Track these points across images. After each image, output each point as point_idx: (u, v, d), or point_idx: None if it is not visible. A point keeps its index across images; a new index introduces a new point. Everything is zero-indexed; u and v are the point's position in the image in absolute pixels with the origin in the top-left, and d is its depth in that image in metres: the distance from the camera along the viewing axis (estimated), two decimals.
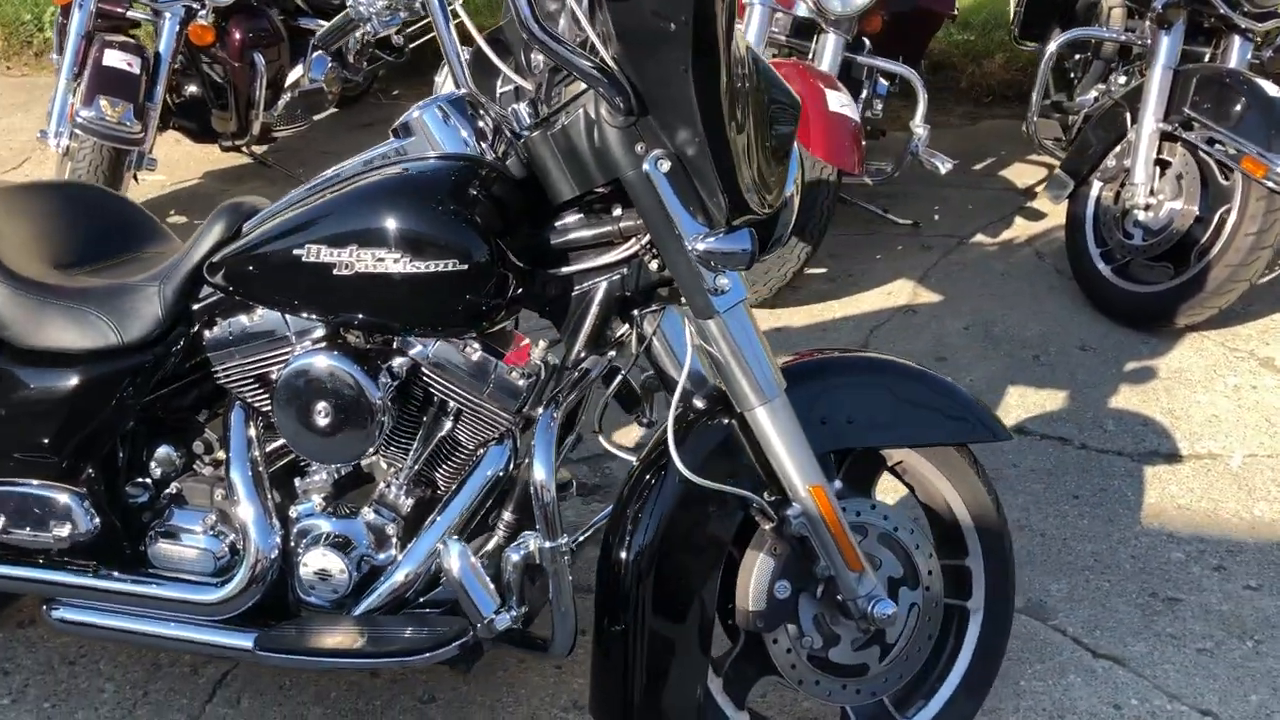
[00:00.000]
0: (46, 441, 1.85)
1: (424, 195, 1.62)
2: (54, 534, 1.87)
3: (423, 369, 1.74)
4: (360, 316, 1.67)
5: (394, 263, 1.58)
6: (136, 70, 3.56)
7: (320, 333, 1.74)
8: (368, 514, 1.80)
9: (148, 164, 3.72)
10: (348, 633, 1.72)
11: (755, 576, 1.70)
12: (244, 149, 4.20)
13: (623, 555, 1.65)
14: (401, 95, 5.39)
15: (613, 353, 1.81)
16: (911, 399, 1.77)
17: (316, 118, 4.60)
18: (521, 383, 1.72)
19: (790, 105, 1.66)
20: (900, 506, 2.00)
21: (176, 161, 4.48)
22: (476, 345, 1.72)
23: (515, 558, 1.62)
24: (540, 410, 1.71)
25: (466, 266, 1.58)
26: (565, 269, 1.67)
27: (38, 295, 1.83)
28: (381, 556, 1.79)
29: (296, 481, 1.86)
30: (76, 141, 3.49)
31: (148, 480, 1.92)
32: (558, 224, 1.65)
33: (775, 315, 3.32)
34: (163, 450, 1.92)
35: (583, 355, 1.73)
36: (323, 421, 1.70)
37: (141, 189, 4.07)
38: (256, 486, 1.81)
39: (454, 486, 1.79)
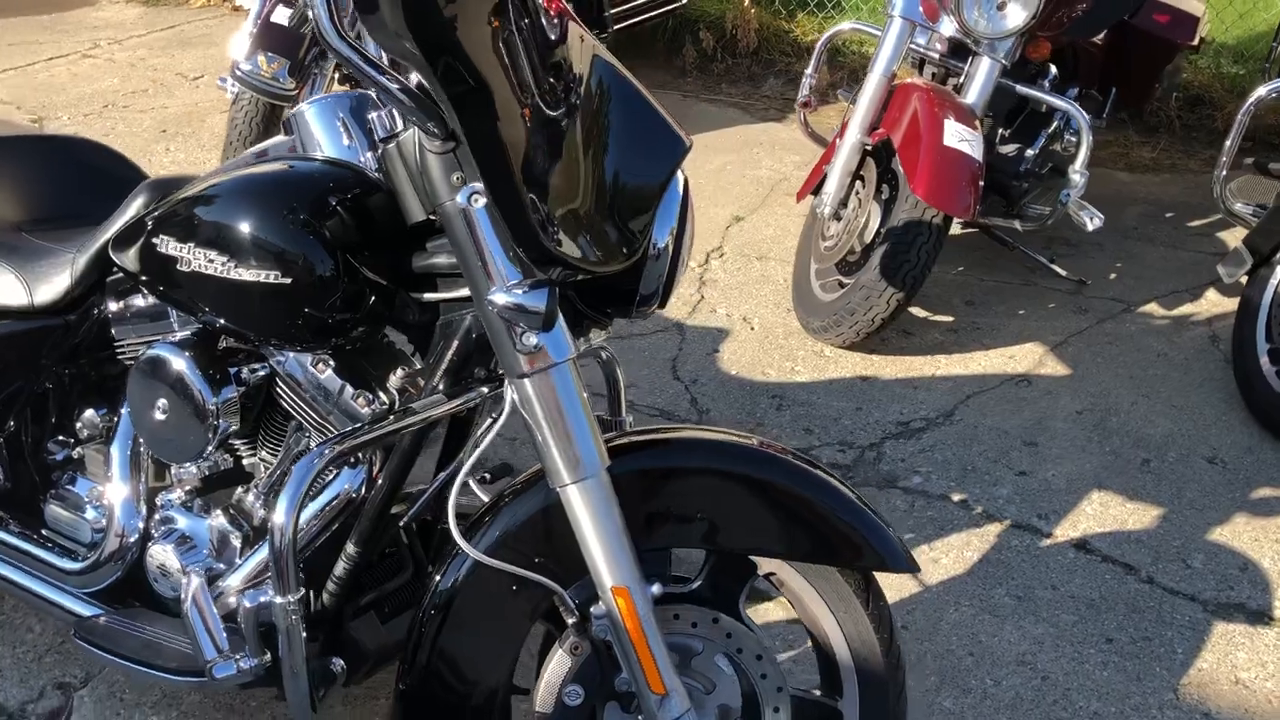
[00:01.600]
0: None
1: (271, 200, 1.53)
2: None
3: (277, 380, 1.67)
4: (211, 316, 1.61)
5: (220, 266, 1.51)
6: (291, 24, 3.69)
7: (193, 327, 1.70)
8: (218, 517, 1.75)
9: None
10: (146, 636, 1.68)
11: (548, 675, 1.52)
12: None
13: (419, 626, 1.52)
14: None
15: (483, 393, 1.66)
16: (787, 502, 1.51)
17: None
18: (365, 410, 1.61)
19: (666, 143, 1.45)
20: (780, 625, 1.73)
21: None
22: (328, 364, 1.63)
23: (247, 604, 1.51)
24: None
25: (290, 280, 1.48)
26: (428, 295, 1.55)
27: None
28: (218, 563, 1.74)
29: (171, 469, 1.84)
30: (239, 91, 3.66)
31: (70, 440, 1.96)
32: (428, 245, 1.52)
33: (865, 361, 3.01)
34: (89, 414, 1.95)
35: (439, 391, 1.59)
36: (160, 416, 1.66)
37: None
38: (130, 466, 1.80)
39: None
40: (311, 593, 1.75)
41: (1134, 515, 2.45)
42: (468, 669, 1.52)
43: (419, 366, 1.64)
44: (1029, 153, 3.27)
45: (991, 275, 3.47)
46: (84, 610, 1.81)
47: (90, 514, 1.88)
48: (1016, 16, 2.80)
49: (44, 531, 1.92)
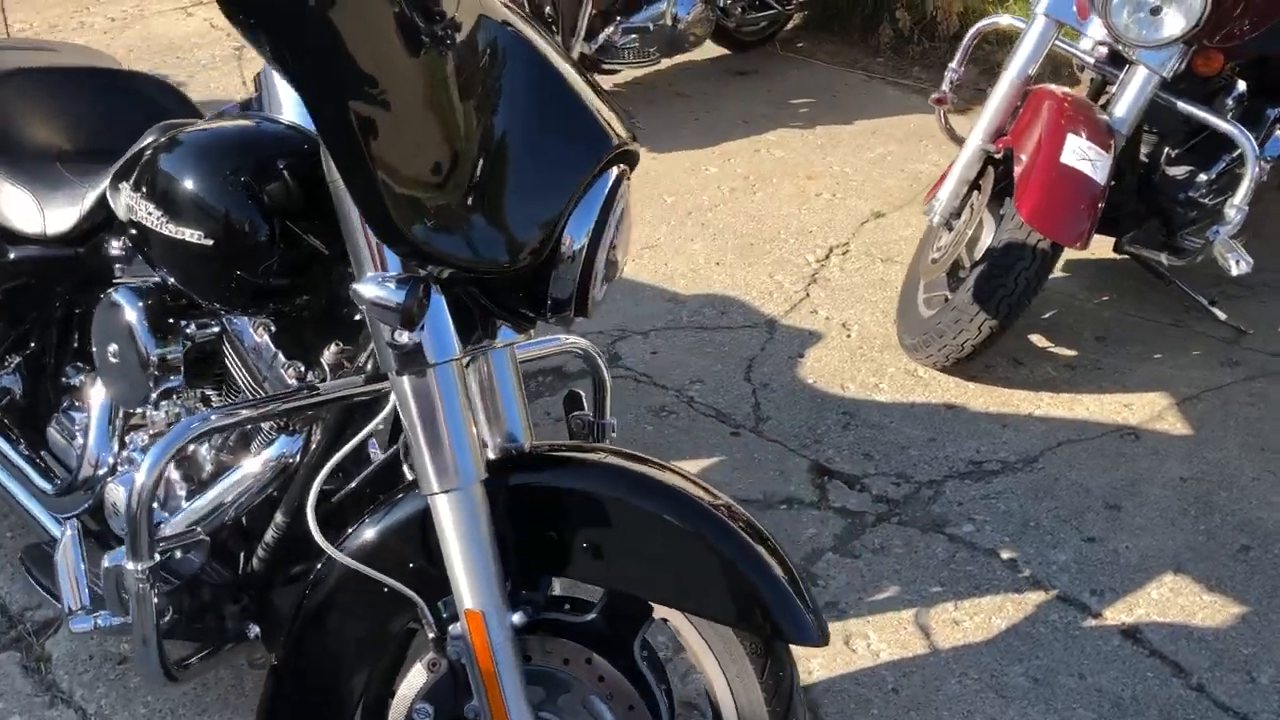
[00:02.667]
0: None
1: (215, 160, 1.49)
2: None
3: (224, 339, 1.66)
4: (158, 268, 1.61)
5: (158, 220, 1.50)
6: None
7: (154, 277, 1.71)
8: (170, 466, 1.76)
9: None
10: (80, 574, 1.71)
11: (403, 687, 1.45)
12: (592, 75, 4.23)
13: (296, 612, 1.48)
14: (805, 50, 5.11)
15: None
16: (684, 546, 1.37)
17: (668, 61, 4.53)
18: (293, 381, 1.58)
19: (589, 137, 1.31)
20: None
21: None
22: (268, 329, 1.60)
23: (106, 564, 1.50)
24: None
25: (216, 241, 1.45)
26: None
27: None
28: (161, 511, 1.75)
29: (146, 410, 1.87)
30: None
31: (82, 368, 2.03)
32: None
33: (958, 389, 2.76)
34: None
35: (365, 372, 1.54)
36: (111, 358, 1.68)
37: None
38: (110, 402, 1.85)
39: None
40: (243, 555, 1.75)
41: (1207, 609, 2.14)
42: (331, 665, 1.47)
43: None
44: (1201, 178, 2.89)
45: (1138, 310, 3.11)
46: (56, 533, 1.88)
47: (78, 442, 1.95)
48: (1174, 24, 2.45)
49: (43, 452, 2.01)
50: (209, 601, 1.71)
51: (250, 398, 1.60)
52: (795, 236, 3.50)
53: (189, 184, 1.46)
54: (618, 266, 1.41)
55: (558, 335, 1.82)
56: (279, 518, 1.65)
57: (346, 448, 1.39)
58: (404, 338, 1.29)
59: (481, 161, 1.24)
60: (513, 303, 1.42)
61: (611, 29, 4.09)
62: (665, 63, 4.55)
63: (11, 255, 1.95)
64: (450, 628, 1.39)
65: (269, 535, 1.66)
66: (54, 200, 1.91)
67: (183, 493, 1.76)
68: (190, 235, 1.46)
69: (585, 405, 1.75)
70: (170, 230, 1.48)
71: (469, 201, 1.23)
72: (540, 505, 1.40)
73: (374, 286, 1.25)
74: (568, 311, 1.42)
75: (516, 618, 1.37)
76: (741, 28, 4.82)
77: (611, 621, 1.44)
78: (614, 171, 1.34)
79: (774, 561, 1.37)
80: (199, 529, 1.59)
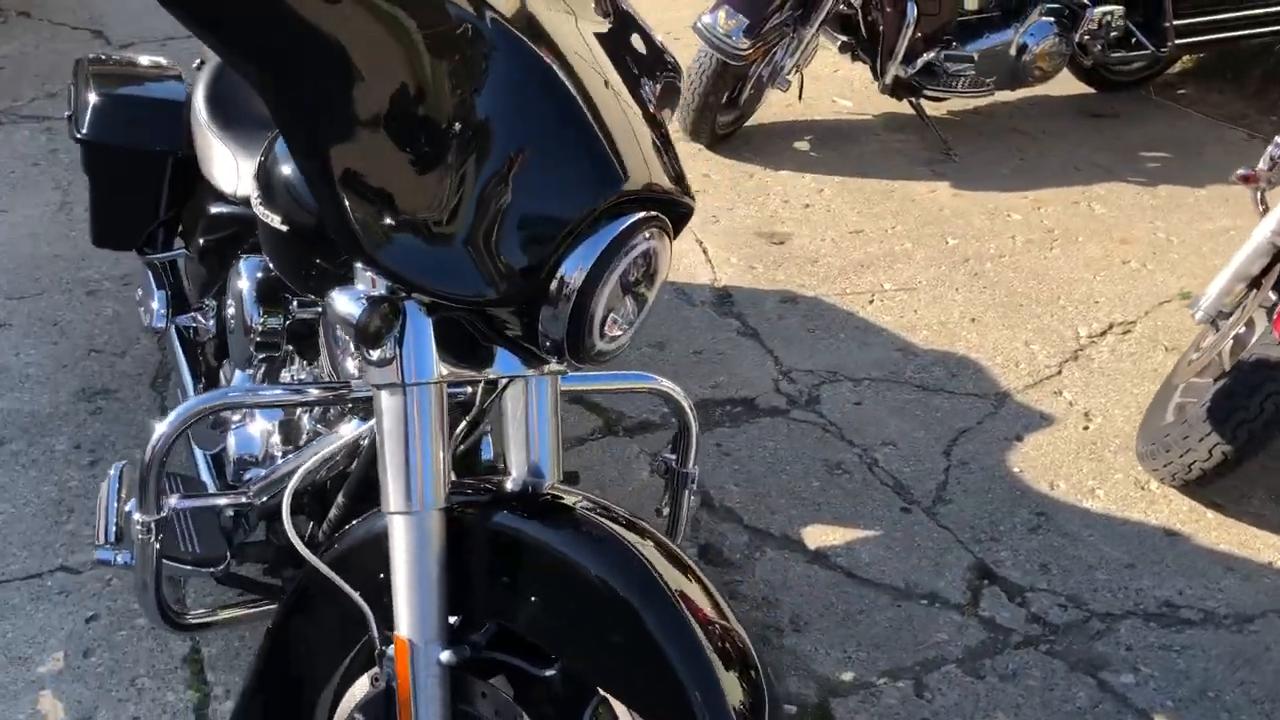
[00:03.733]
0: None
1: None
2: None
3: (321, 320, 1.74)
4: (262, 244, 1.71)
5: (255, 199, 1.59)
6: None
7: None
8: (257, 419, 1.86)
9: (780, 83, 3.82)
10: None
11: (348, 694, 1.44)
12: (910, 100, 4.03)
13: (284, 602, 1.53)
14: (1186, 98, 4.55)
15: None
16: (643, 646, 1.27)
17: (1014, 93, 4.20)
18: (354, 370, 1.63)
19: (594, 174, 1.19)
20: None
21: (865, 92, 4.43)
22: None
23: (127, 508, 1.58)
24: None
25: (288, 227, 1.52)
26: None
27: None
28: (236, 456, 1.86)
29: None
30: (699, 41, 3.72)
31: None
32: None
33: (1191, 513, 2.35)
34: None
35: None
36: (228, 319, 1.81)
37: (788, 111, 4.17)
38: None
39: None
40: (313, 524, 1.84)
41: None
42: (306, 653, 1.50)
43: None
44: None
45: None
46: None
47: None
48: None
49: None
50: (271, 561, 1.82)
51: (292, 383, 1.66)
52: (1076, 305, 3.14)
53: (280, 169, 1.54)
54: (633, 316, 1.31)
55: (644, 373, 1.74)
56: (340, 498, 1.71)
57: (325, 450, 1.42)
58: (375, 354, 1.29)
59: (467, 183, 1.18)
60: (510, 335, 1.37)
61: (934, 53, 3.84)
62: (1009, 94, 4.23)
63: (213, 210, 2.16)
64: (387, 649, 1.39)
65: (331, 513, 1.73)
66: (247, 164, 2.09)
67: (276, 455, 1.87)
68: (273, 219, 1.54)
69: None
70: (260, 210, 1.56)
71: (447, 224, 1.16)
72: (501, 550, 1.34)
73: (345, 299, 1.25)
74: (561, 355, 1.36)
75: (445, 655, 1.33)
76: (1106, 66, 4.37)
77: (567, 684, 1.37)
78: (634, 216, 1.24)
79: (737, 688, 1.24)
80: (247, 494, 1.69)
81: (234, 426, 1.91)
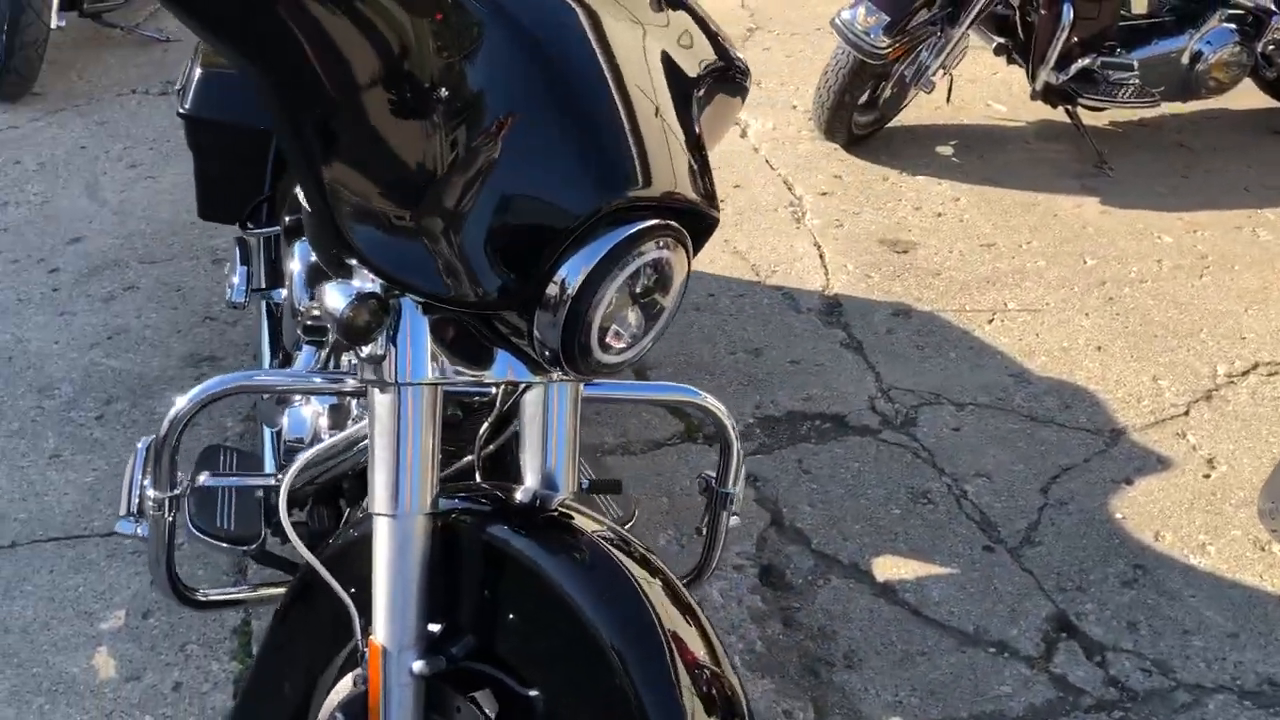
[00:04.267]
0: None
1: None
2: None
3: None
4: None
5: None
6: None
7: None
8: (311, 402, 1.87)
9: (924, 84, 3.65)
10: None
11: (331, 691, 1.42)
12: (1065, 108, 3.79)
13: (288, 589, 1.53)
14: None
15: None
16: (617, 688, 1.21)
17: (1179, 106, 3.90)
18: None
19: (597, 174, 1.12)
20: None
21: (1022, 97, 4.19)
22: None
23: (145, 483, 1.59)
24: None
25: None
26: None
27: None
28: (287, 438, 1.86)
29: None
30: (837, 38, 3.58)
31: None
32: None
33: None
34: None
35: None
36: (284, 300, 1.83)
37: (935, 113, 3.99)
38: None
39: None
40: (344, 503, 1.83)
41: None
42: (304, 642, 1.50)
43: None
44: None
45: None
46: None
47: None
48: None
49: None
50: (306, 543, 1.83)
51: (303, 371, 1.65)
52: (1218, 340, 2.88)
53: None
54: (639, 330, 1.24)
55: (686, 386, 1.66)
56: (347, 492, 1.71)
57: (325, 444, 1.40)
58: (365, 350, 1.27)
59: (460, 176, 1.10)
60: (511, 340, 1.32)
61: (1091, 59, 3.59)
62: (1180, 106, 3.93)
63: (295, 188, 2.19)
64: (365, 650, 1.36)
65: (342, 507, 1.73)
66: None
67: (323, 439, 1.88)
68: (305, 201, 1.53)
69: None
70: (298, 191, 1.56)
71: (436, 219, 1.11)
72: (491, 564, 1.30)
73: (334, 292, 1.22)
74: (562, 363, 1.30)
75: (418, 665, 1.30)
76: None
77: (553, 705, 1.32)
78: (643, 223, 1.16)
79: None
80: (275, 477, 1.70)
81: (291, 407, 1.93)
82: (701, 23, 1.57)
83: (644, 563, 1.32)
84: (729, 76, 1.63)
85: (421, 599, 1.29)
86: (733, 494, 1.70)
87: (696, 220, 1.21)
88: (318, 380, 1.50)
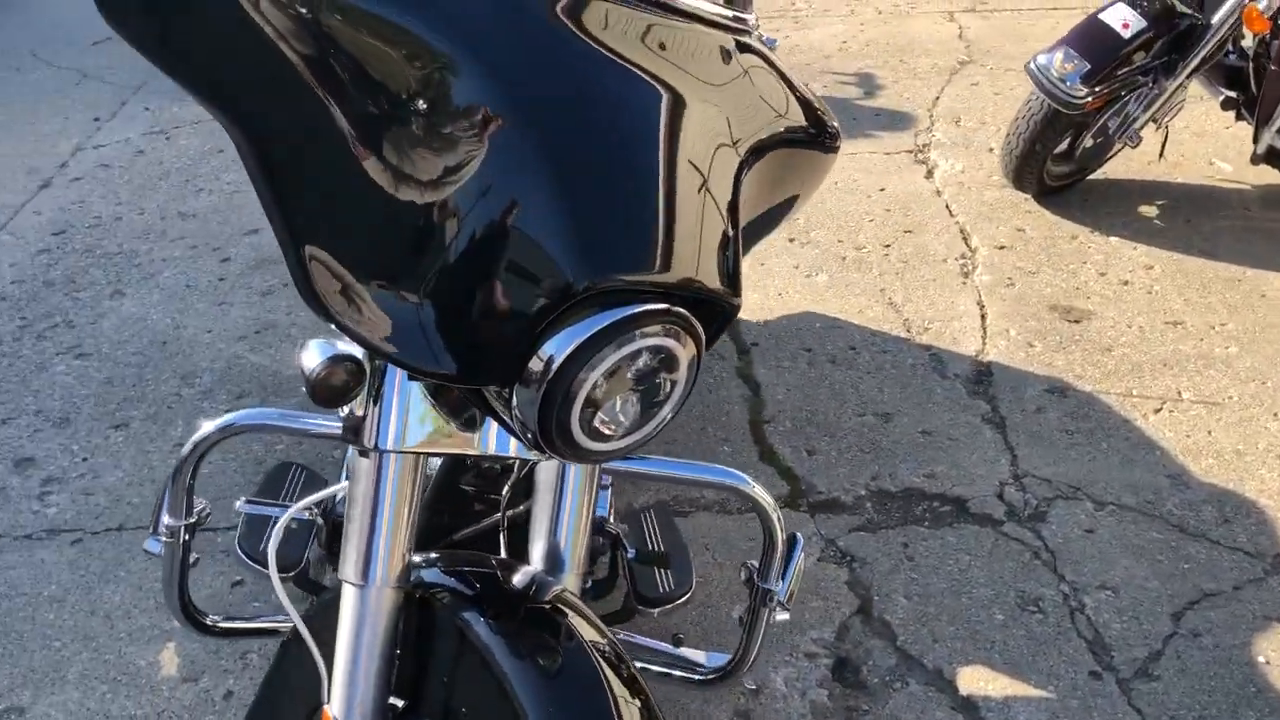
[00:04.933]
0: None
1: None
2: None
3: None
4: None
5: None
6: (1126, 35, 3.16)
7: None
8: None
9: (1129, 137, 3.35)
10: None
11: None
12: None
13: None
14: None
15: None
16: None
17: None
18: None
19: (573, 253, 1.01)
20: None
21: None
22: None
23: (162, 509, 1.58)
24: None
25: None
26: None
27: None
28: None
29: None
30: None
31: None
32: None
33: None
34: None
35: None
36: None
37: (1147, 168, 3.65)
38: None
39: None
40: None
41: None
42: (291, 689, 1.47)
43: None
44: None
45: None
46: None
47: None
48: None
49: None
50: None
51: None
52: None
53: None
54: (630, 419, 1.13)
55: (728, 469, 1.55)
56: None
57: (316, 495, 1.36)
58: (344, 411, 1.23)
59: (439, 238, 1.01)
60: (500, 414, 1.25)
61: None
62: None
63: None
64: None
65: None
66: None
67: None
68: None
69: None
70: None
71: (413, 282, 1.01)
72: (459, 649, 1.24)
73: (314, 348, 1.18)
74: (542, 446, 1.21)
75: None
76: None
77: None
78: (640, 307, 1.05)
79: None
80: (310, 510, 1.69)
81: None
82: (786, 80, 1.45)
83: (628, 683, 1.23)
84: (814, 138, 1.51)
85: (381, 673, 1.25)
86: (774, 590, 1.58)
87: (713, 307, 1.10)
88: (335, 426, 1.47)
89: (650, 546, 1.93)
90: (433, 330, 1.02)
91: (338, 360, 1.15)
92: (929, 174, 3.76)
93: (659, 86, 1.09)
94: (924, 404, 2.68)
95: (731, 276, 1.12)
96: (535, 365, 1.01)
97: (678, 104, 1.11)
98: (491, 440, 1.26)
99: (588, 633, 1.26)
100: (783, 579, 1.65)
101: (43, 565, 2.25)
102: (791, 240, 3.40)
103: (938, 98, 4.32)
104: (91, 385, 2.79)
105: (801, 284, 3.18)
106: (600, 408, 1.06)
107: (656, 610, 1.80)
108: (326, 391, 1.15)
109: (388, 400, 1.21)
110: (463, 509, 1.71)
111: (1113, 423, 2.62)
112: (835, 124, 1.67)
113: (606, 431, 1.09)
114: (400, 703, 1.29)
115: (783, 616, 1.67)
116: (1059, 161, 3.49)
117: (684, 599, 1.81)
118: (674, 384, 1.12)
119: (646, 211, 1.04)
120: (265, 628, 1.75)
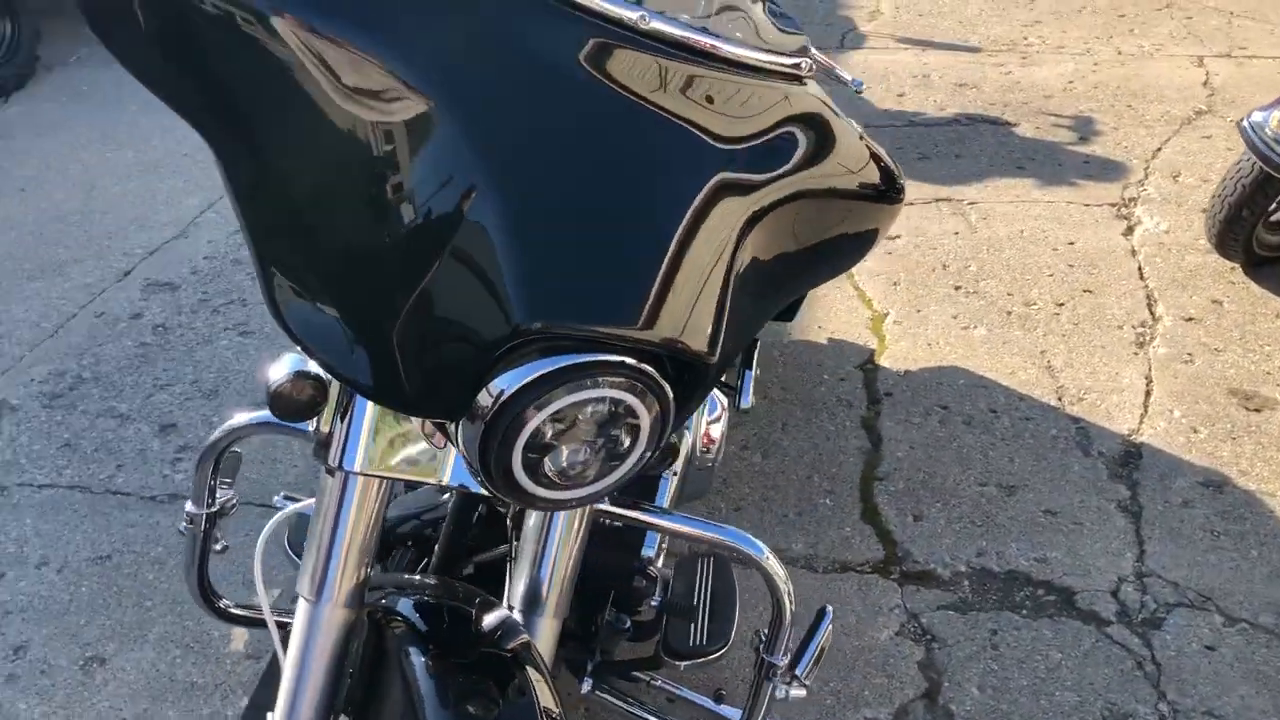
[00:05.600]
0: None
1: None
2: None
3: None
4: None
5: None
6: None
7: None
8: None
9: None
10: None
11: None
12: None
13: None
14: None
15: None
16: None
17: None
18: None
19: (516, 295, 0.99)
20: None
21: None
22: None
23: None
24: None
25: None
26: None
27: None
28: None
29: None
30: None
31: None
32: None
33: None
34: None
35: None
36: None
37: None
38: None
39: None
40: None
41: None
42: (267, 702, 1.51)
43: None
44: None
45: None
46: None
47: None
48: None
49: None
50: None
51: None
52: None
53: None
54: (602, 474, 1.08)
55: (740, 532, 1.48)
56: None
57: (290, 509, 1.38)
58: (309, 427, 1.24)
59: (394, 268, 0.99)
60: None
61: None
62: None
63: None
64: None
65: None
66: None
67: None
68: None
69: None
70: None
71: (365, 310, 1.01)
72: (396, 678, 1.24)
73: (280, 362, 1.20)
74: (486, 485, 1.18)
75: None
76: None
77: None
78: (592, 356, 1.01)
79: None
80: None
81: None
82: (841, 128, 1.37)
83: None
84: (869, 188, 1.43)
85: (326, 689, 1.27)
86: (779, 665, 1.50)
87: (683, 363, 1.05)
88: None
89: (696, 596, 1.87)
90: (383, 356, 1.01)
91: (302, 376, 1.17)
92: (1128, 230, 3.48)
93: (660, 133, 1.05)
94: (1056, 480, 2.47)
95: (712, 336, 1.06)
96: (483, 400, 0.99)
97: (676, 153, 1.06)
98: (453, 471, 1.25)
99: (539, 694, 1.22)
100: (803, 655, 1.56)
101: (156, 527, 2.41)
102: (957, 289, 3.22)
103: (1159, 149, 3.99)
104: (246, 362, 2.97)
105: (956, 336, 3.00)
106: (547, 454, 1.03)
107: (683, 664, 1.74)
108: (283, 404, 1.16)
109: (357, 422, 1.21)
110: (484, 536, 1.70)
111: (1269, 528, 2.33)
112: (898, 175, 1.57)
113: (556, 480, 1.06)
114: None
115: (798, 693, 1.58)
116: (1273, 230, 3.15)
117: (714, 656, 1.74)
118: (634, 441, 1.07)
119: (616, 260, 1.01)
120: (275, 621, 1.80)
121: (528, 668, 1.25)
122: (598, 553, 1.76)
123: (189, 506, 1.60)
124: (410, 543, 1.77)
